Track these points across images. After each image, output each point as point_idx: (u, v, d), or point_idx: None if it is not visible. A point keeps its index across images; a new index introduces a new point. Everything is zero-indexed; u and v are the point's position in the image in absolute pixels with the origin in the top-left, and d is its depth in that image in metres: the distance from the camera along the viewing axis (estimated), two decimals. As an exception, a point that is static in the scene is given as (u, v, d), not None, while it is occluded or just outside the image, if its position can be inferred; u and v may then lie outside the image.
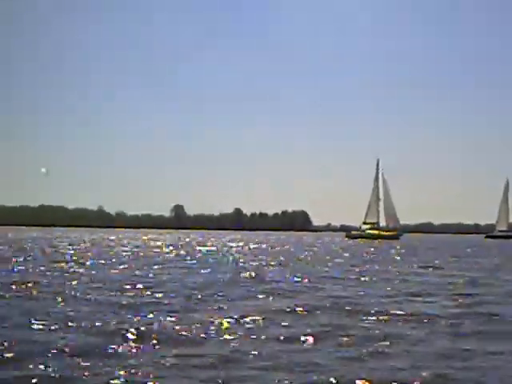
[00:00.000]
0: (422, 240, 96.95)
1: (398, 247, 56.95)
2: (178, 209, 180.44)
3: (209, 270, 21.17)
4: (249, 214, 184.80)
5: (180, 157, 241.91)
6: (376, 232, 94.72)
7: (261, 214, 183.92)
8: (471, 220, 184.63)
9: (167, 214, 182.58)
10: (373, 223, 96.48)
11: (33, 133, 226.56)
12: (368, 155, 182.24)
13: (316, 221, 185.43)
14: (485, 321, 10.65)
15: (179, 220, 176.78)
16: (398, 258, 35.24)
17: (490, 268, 26.30)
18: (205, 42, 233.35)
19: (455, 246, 69.01)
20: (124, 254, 31.98)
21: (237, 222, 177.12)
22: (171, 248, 41.79)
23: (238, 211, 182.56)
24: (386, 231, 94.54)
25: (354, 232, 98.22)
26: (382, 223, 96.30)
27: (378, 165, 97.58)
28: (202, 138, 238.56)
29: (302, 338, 8.51)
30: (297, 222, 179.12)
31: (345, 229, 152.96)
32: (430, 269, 24.91)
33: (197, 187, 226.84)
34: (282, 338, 8.54)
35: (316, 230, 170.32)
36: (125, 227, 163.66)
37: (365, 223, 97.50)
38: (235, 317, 10.07)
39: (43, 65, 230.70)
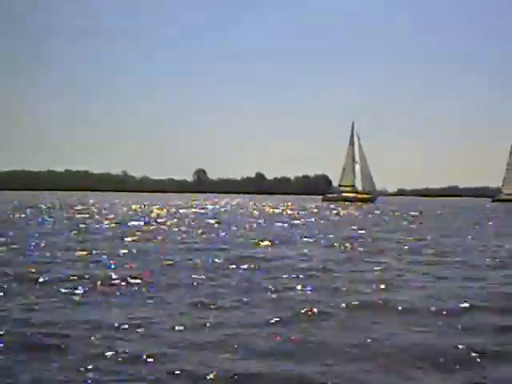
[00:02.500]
0: (397, 203, 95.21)
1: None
2: (200, 173, 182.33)
3: None
4: (271, 178, 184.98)
5: (203, 121, 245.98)
6: (351, 195, 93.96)
7: (282, 178, 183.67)
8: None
9: (190, 178, 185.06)
10: (349, 186, 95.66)
11: (58, 95, 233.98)
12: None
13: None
14: None
15: (201, 184, 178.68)
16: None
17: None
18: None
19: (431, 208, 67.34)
20: None
21: (259, 186, 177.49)
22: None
23: (259, 175, 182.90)
24: (362, 194, 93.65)
25: (329, 195, 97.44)
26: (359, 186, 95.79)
27: (352, 127, 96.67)
28: (226, 104, 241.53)
29: None
30: (319, 185, 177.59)
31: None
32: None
33: (219, 152, 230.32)
34: None
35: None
36: (149, 191, 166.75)
37: (340, 186, 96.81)
38: None
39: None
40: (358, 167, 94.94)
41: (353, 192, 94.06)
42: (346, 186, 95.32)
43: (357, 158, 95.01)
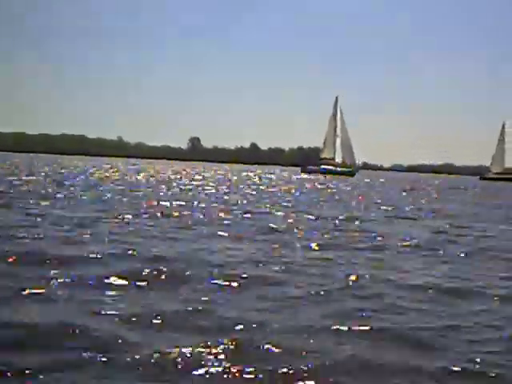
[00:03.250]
0: (377, 177, 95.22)
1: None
2: (195, 140, 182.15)
3: None
4: (265, 148, 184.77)
5: (200, 90, 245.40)
6: (331, 168, 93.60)
7: (276, 149, 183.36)
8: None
9: (185, 146, 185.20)
10: (329, 159, 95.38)
11: (58, 60, 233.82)
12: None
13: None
14: None
15: (195, 152, 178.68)
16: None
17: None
18: None
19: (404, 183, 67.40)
20: None
21: (253, 156, 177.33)
22: None
23: (254, 146, 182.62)
24: (342, 167, 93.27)
25: (308, 167, 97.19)
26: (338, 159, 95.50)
27: (336, 102, 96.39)
28: (226, 73, 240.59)
29: None
30: (312, 157, 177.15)
31: (364, 166, 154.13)
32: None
33: (215, 120, 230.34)
34: None
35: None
36: (142, 157, 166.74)
37: (321, 159, 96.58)
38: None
39: None
40: (338, 141, 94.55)
41: (332, 165, 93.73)
42: (326, 159, 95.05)
43: (338, 132, 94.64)
